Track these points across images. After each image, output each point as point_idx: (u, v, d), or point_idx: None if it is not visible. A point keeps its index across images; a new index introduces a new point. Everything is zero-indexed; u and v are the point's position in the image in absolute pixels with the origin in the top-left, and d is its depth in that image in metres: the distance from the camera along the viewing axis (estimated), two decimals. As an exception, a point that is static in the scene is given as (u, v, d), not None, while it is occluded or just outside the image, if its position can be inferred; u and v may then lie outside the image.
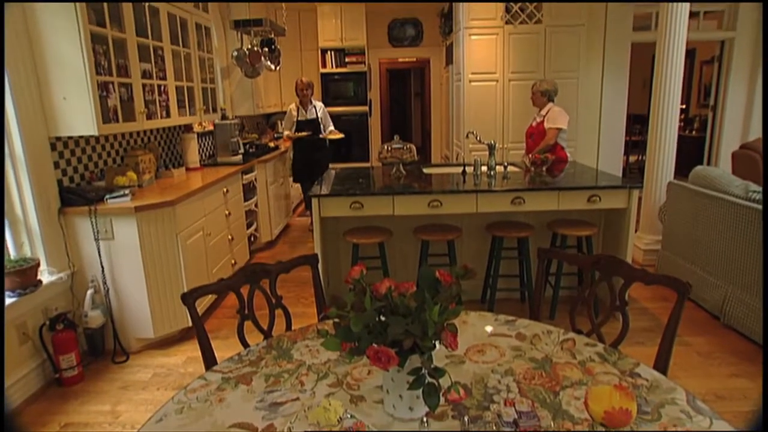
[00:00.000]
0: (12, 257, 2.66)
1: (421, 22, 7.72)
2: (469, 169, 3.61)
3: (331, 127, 5.48)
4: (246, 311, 1.68)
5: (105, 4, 2.85)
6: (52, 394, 2.65)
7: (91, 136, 3.16)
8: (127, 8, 3.06)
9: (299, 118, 5.31)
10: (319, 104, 5.45)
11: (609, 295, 1.63)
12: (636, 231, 4.01)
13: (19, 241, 2.71)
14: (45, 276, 2.72)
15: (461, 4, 5.34)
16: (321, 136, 5.36)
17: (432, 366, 0.99)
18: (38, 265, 2.64)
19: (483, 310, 3.26)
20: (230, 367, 1.40)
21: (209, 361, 1.54)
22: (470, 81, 5.44)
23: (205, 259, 3.49)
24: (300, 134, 5.27)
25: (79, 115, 2.73)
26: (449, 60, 6.53)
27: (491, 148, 3.59)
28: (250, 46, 5.49)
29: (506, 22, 5.29)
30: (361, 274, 1.20)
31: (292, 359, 1.43)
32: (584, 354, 1.41)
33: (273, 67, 5.93)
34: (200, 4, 4.24)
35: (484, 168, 3.59)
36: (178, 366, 2.90)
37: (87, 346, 2.95)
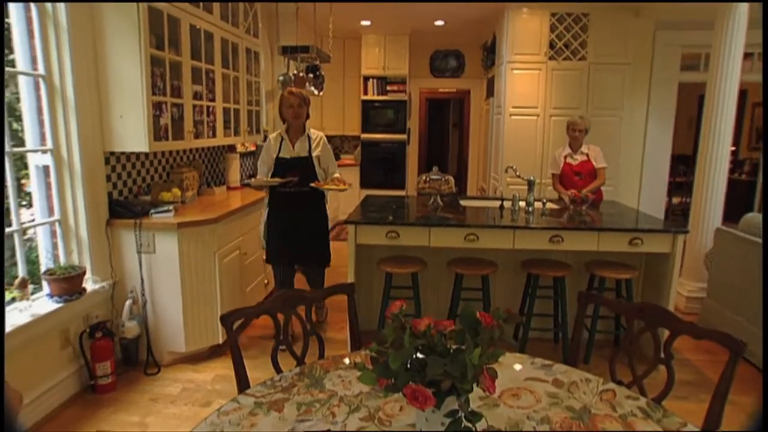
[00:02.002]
0: (61, 264, 2.77)
1: (464, 54, 7.82)
2: (507, 204, 3.58)
3: (336, 172, 3.36)
4: (281, 337, 1.69)
5: (166, 30, 3.01)
6: (86, 401, 2.71)
7: (142, 153, 3.30)
8: (185, 33, 3.22)
9: (281, 155, 3.24)
10: (318, 134, 3.39)
11: (652, 344, 1.57)
12: (679, 276, 3.86)
13: (69, 249, 2.83)
14: (89, 284, 2.82)
15: (505, 38, 5.39)
16: (313, 184, 3.17)
17: (469, 409, 0.97)
18: (84, 273, 2.75)
19: (514, 348, 3.20)
20: (263, 392, 1.41)
21: (242, 382, 1.55)
22: (511, 114, 5.44)
23: (240, 278, 3.55)
24: (274, 180, 3.18)
25: (132, 133, 2.86)
26: (490, 92, 6.56)
27: (531, 184, 3.55)
28: (295, 72, 5.66)
29: (549, 58, 5.30)
30: (400, 309, 1.19)
31: (324, 389, 1.43)
32: (625, 407, 1.35)
33: (316, 92, 6.09)
34: (252, 29, 4.42)
35: (522, 203, 3.55)
36: (207, 383, 2.92)
37: (122, 356, 3.02)
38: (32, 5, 2.56)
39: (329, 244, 3.53)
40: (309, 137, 3.32)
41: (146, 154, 3.38)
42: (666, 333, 1.55)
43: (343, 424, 1.25)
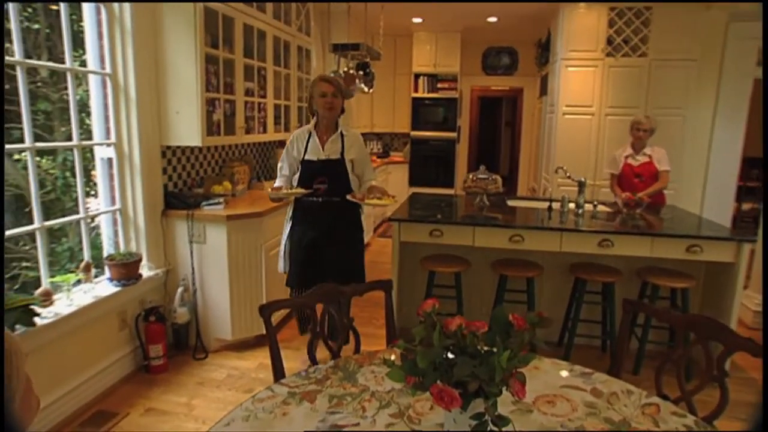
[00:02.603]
0: (121, 250, 2.95)
1: (517, 51, 7.64)
2: (556, 205, 3.47)
3: (373, 179, 2.86)
4: (318, 329, 1.72)
5: (221, 29, 3.12)
6: (140, 379, 2.87)
7: (195, 147, 3.44)
8: (239, 31, 3.33)
9: (308, 156, 2.70)
10: (353, 132, 2.81)
11: (705, 358, 1.48)
12: (745, 288, 3.62)
13: (128, 237, 3.00)
14: (145, 271, 2.98)
15: (560, 34, 5.21)
16: (350, 197, 2.64)
17: (496, 413, 0.95)
18: (140, 260, 2.91)
19: (559, 353, 3.10)
20: (297, 383, 1.44)
21: (278, 372, 1.59)
22: (564, 113, 5.27)
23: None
24: (297, 191, 2.67)
25: (187, 128, 3.00)
26: (543, 91, 6.38)
27: (581, 185, 3.43)
28: (346, 69, 5.72)
29: (607, 55, 5.08)
30: (433, 308, 1.19)
31: (356, 383, 1.44)
32: (670, 424, 1.28)
33: (366, 89, 6.13)
34: (304, 28, 4.51)
35: (572, 205, 3.44)
36: (251, 370, 3.02)
37: (173, 340, 3.17)
38: (102, 8, 2.73)
39: (364, 267, 2.92)
40: (342, 135, 2.72)
41: (200, 149, 3.53)
42: (720, 348, 1.46)
43: (373, 419, 1.25)
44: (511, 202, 3.79)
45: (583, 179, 3.46)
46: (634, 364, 3.03)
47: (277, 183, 2.82)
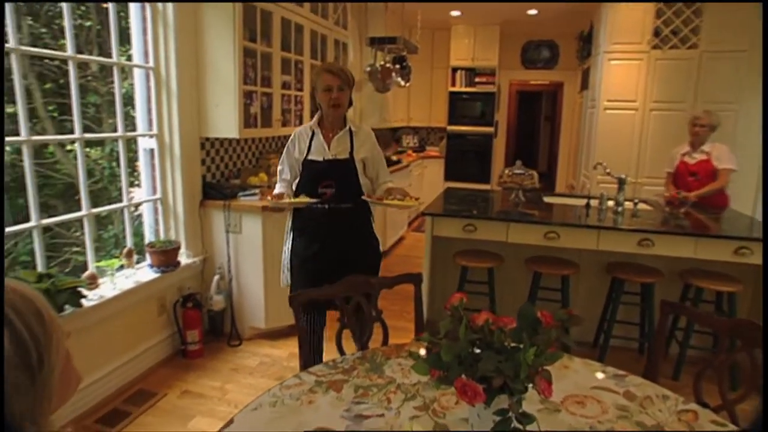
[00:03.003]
0: (161, 238, 3.06)
1: (558, 45, 7.44)
2: (594, 203, 3.37)
3: (390, 181, 2.43)
4: (346, 320, 1.74)
5: (259, 23, 3.17)
6: (177, 363, 2.98)
7: (233, 139, 3.52)
8: (276, 26, 3.38)
9: (311, 156, 2.30)
10: (363, 129, 2.40)
11: (750, 366, 1.41)
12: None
13: (168, 225, 3.10)
14: (183, 258, 3.08)
15: (603, 26, 5.04)
16: (368, 198, 2.30)
17: (520, 410, 0.94)
18: (179, 248, 3.01)
19: (593, 355, 3.02)
20: (324, 372, 1.46)
21: (307, 361, 1.62)
22: (605, 108, 5.10)
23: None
24: (301, 200, 2.25)
25: (225, 120, 3.07)
26: (584, 85, 6.19)
27: (621, 182, 3.32)
28: (383, 62, 5.72)
29: (653, 47, 4.88)
30: (460, 302, 1.18)
31: (383, 374, 1.45)
32: None
33: (403, 83, 6.12)
34: (341, 21, 4.53)
35: (611, 203, 3.33)
36: (282, 359, 3.08)
37: (209, 326, 3.27)
38: (147, 6, 2.83)
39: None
40: (351, 132, 2.32)
41: (237, 141, 3.61)
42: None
43: (397, 411, 1.26)
44: (547, 199, 3.71)
45: (623, 176, 3.34)
46: (674, 369, 2.92)
47: (278, 189, 2.39)
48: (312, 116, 2.55)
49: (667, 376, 2.88)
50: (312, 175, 2.29)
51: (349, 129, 2.33)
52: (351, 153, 2.30)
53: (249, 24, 3.11)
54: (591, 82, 5.57)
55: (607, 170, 3.44)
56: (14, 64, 2.18)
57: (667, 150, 4.00)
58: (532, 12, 6.20)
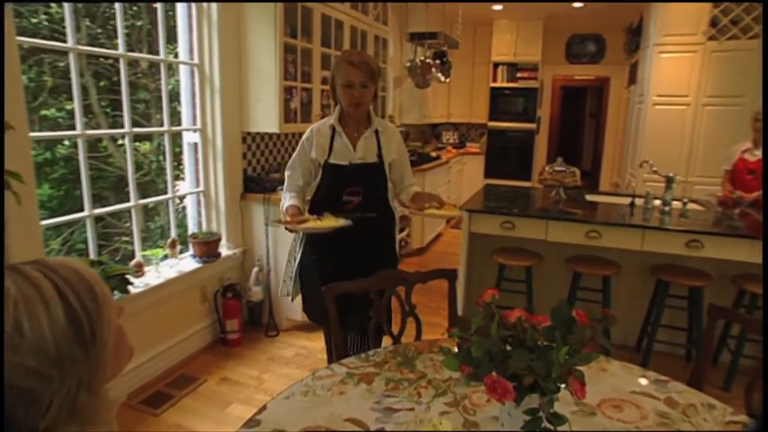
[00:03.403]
0: (203, 230, 3.16)
1: (604, 38, 7.18)
2: (639, 202, 3.24)
3: (413, 183, 2.22)
4: (378, 314, 1.74)
5: (299, 19, 3.22)
6: (217, 351, 3.08)
7: (273, 133, 3.59)
8: (317, 22, 3.42)
9: (334, 159, 2.02)
10: (390, 128, 2.16)
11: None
12: None
13: (210, 217, 3.20)
14: (224, 250, 3.17)
15: (654, 18, 4.83)
16: (402, 206, 2.20)
17: (551, 411, 0.91)
18: (220, 239, 3.10)
19: (636, 360, 2.91)
20: (356, 364, 1.47)
21: (339, 353, 1.63)
22: (654, 104, 4.89)
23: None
24: (334, 223, 1.86)
25: (266, 115, 3.14)
26: (632, 79, 5.96)
27: (669, 181, 3.18)
28: (423, 58, 5.69)
29: (709, 38, 4.63)
30: (492, 298, 1.16)
31: (414, 369, 1.45)
32: (754, 442, 1.16)
33: (443, 78, 6.07)
34: (381, 17, 4.53)
35: (657, 202, 3.19)
36: (317, 351, 3.13)
37: (247, 316, 3.36)
38: (193, 5, 2.92)
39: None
40: (377, 131, 2.03)
41: (277, 135, 3.68)
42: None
43: (427, 406, 1.26)
44: (589, 197, 3.60)
45: (671, 174, 3.20)
46: (724, 379, 2.78)
47: (289, 200, 2.00)
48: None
49: (717, 386, 2.74)
50: (335, 180, 1.99)
51: (376, 129, 2.04)
52: (380, 155, 2.02)
53: (290, 20, 3.16)
54: (639, 77, 5.35)
55: (654, 168, 3.30)
56: (72, 63, 2.30)
57: (722, 147, 3.80)
58: (578, 5, 6.01)
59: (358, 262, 2.01)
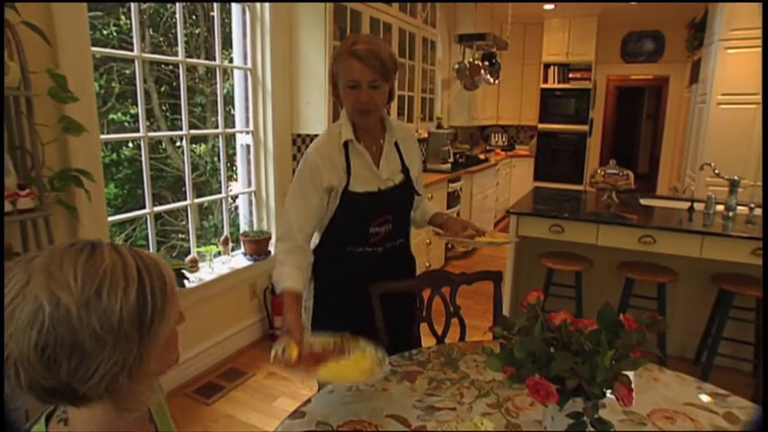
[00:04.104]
0: (254, 229, 3.27)
1: (664, 35, 6.86)
2: (699, 206, 3.08)
3: (424, 198, 1.79)
4: (424, 314, 1.75)
5: (348, 22, 3.28)
6: (265, 346, 3.18)
7: (324, 136, 3.66)
8: (365, 25, 3.47)
9: (354, 187, 1.50)
10: (405, 128, 1.70)
11: None
12: None
13: (261, 216, 3.31)
14: (274, 248, 3.27)
15: (720, 11, 4.57)
16: (444, 236, 1.69)
17: (596, 416, 0.89)
18: (270, 238, 3.20)
19: (694, 373, 2.75)
20: (399, 362, 1.49)
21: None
22: (718, 103, 4.62)
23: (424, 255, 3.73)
24: (370, 370, 1.22)
25: (315, 117, 3.22)
26: (694, 78, 5.66)
27: (734, 185, 3.00)
28: (471, 60, 5.65)
29: (781, 34, 4.33)
30: (537, 299, 1.15)
31: (457, 369, 1.44)
32: (822, 461, 1.09)
33: (492, 80, 6.00)
34: (429, 19, 4.54)
35: (720, 207, 3.02)
36: (362, 350, 3.17)
37: (294, 314, 3.44)
38: (247, 10, 3.03)
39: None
40: (397, 144, 1.60)
41: (327, 138, 3.75)
42: None
43: (470, 406, 1.25)
44: (644, 201, 3.45)
45: (735, 178, 3.02)
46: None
47: (287, 282, 1.44)
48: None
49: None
50: (360, 212, 1.53)
51: (396, 142, 1.60)
52: (405, 171, 1.61)
53: (339, 23, 3.23)
54: (702, 75, 5.08)
55: (716, 171, 3.13)
56: (137, 69, 2.45)
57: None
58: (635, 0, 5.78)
59: (388, 295, 1.62)
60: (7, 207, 1.57)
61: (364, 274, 1.57)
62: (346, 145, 1.49)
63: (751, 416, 1.19)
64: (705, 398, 1.32)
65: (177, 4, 2.67)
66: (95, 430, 0.73)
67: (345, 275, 1.59)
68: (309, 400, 1.28)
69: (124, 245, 0.73)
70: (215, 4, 2.93)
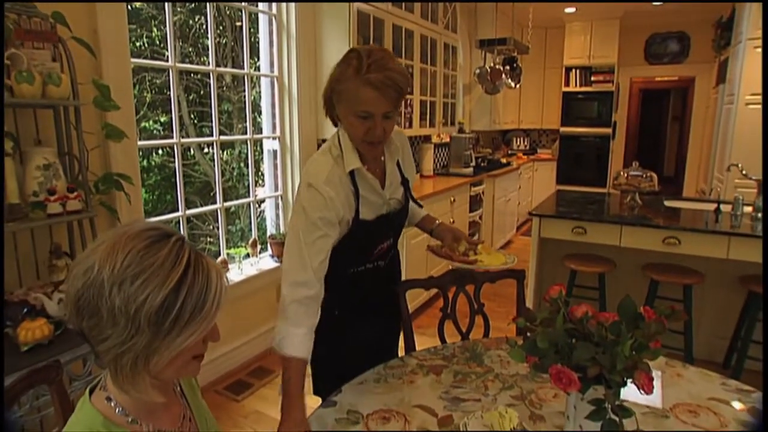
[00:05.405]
0: (281, 232, 3.36)
1: (689, 36, 6.77)
2: (726, 208, 3.05)
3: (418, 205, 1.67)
4: (449, 311, 1.80)
5: (371, 30, 3.36)
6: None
7: (348, 141, 3.74)
8: (388, 32, 3.55)
9: (366, 215, 1.41)
10: (396, 131, 1.50)
11: None
12: None
13: (287, 220, 3.40)
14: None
15: (748, 9, 4.51)
16: (444, 256, 1.57)
17: (617, 403, 0.93)
18: (296, 241, 3.28)
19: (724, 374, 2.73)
20: (426, 356, 1.54)
21: (409, 345, 1.70)
22: (747, 104, 4.55)
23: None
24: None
25: (341, 123, 3.29)
26: (721, 78, 5.57)
27: (763, 186, 2.96)
28: (492, 64, 5.68)
29: (811, 33, 4.25)
30: (559, 293, 1.18)
31: (482, 364, 1.49)
32: None
33: (513, 84, 6.01)
34: (450, 25, 4.60)
35: (748, 208, 2.99)
36: (386, 350, 3.22)
37: (319, 315, 3.51)
38: (273, 19, 3.14)
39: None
40: (400, 161, 1.55)
41: (350, 143, 3.83)
42: None
43: (494, 398, 1.30)
44: (669, 203, 3.43)
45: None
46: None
47: (295, 332, 1.44)
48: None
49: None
50: (369, 234, 1.46)
51: (398, 161, 1.53)
52: (405, 183, 1.54)
53: (363, 31, 3.31)
54: (729, 75, 5.01)
55: (744, 171, 3.09)
56: (171, 78, 2.56)
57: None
58: (657, 2, 5.74)
59: (384, 310, 1.64)
60: (57, 209, 1.67)
61: (366, 284, 1.53)
62: (352, 172, 1.35)
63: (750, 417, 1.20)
64: (729, 393, 1.34)
65: (208, 15, 2.79)
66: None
67: (352, 285, 1.51)
68: (340, 390, 1.34)
69: (201, 252, 0.79)
70: (243, 16, 3.04)
